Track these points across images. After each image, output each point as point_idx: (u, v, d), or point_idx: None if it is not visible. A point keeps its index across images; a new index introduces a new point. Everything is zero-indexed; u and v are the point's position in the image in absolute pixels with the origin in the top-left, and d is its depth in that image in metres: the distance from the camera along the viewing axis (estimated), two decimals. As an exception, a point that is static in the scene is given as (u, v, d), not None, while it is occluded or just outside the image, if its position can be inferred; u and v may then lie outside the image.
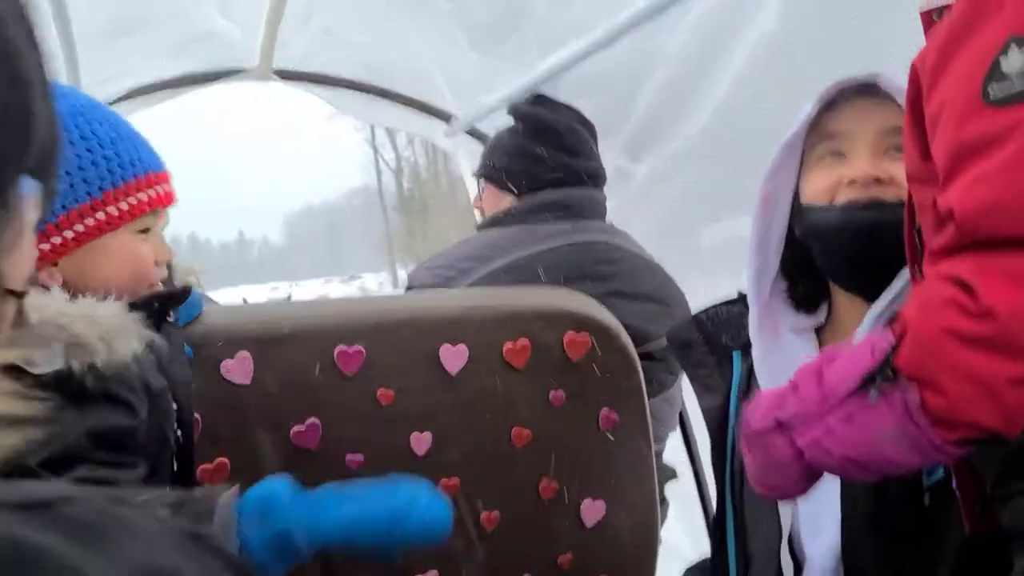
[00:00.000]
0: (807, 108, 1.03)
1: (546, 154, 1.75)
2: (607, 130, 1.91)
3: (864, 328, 0.99)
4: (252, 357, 1.23)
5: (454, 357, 1.34)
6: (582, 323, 1.39)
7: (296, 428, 1.27)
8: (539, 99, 1.88)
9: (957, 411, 0.65)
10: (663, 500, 1.88)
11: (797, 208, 1.06)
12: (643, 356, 1.54)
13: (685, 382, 1.85)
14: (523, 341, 1.36)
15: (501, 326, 1.36)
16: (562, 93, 1.87)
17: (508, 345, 1.36)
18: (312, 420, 1.27)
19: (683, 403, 2.01)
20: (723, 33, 1.50)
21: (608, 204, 1.88)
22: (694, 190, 1.89)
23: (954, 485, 0.83)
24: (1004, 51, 0.62)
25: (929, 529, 0.89)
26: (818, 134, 1.03)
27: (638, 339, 1.54)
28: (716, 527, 1.17)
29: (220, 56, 2.24)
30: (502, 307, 1.38)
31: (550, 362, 1.38)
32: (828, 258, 1.03)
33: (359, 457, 1.30)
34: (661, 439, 1.89)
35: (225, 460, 1.23)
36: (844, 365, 0.73)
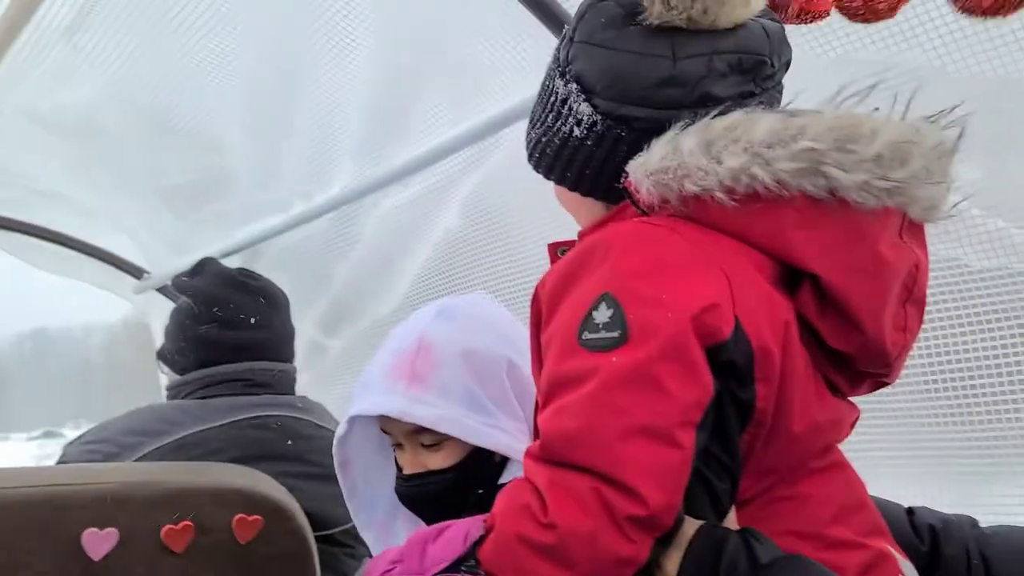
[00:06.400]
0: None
1: (215, 331, 1.66)
2: (304, 304, 1.92)
3: None
4: None
5: (100, 542, 1.19)
6: (254, 503, 1.32)
7: None
8: (204, 268, 1.76)
9: None
10: None
11: None
12: (324, 540, 1.48)
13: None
14: (185, 523, 1.25)
15: (161, 506, 1.24)
16: (261, 265, 1.87)
17: (168, 527, 1.23)
18: None
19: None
20: (412, 226, 1.62)
21: (304, 377, 1.84)
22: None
23: None
24: (597, 304, 0.75)
25: None
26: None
27: (322, 522, 1.48)
28: None
29: None
30: (164, 484, 1.26)
31: (215, 546, 1.27)
32: None
33: (-45, 672, 1.08)
34: (341, 628, 1.79)
35: None
36: (443, 545, 0.79)
